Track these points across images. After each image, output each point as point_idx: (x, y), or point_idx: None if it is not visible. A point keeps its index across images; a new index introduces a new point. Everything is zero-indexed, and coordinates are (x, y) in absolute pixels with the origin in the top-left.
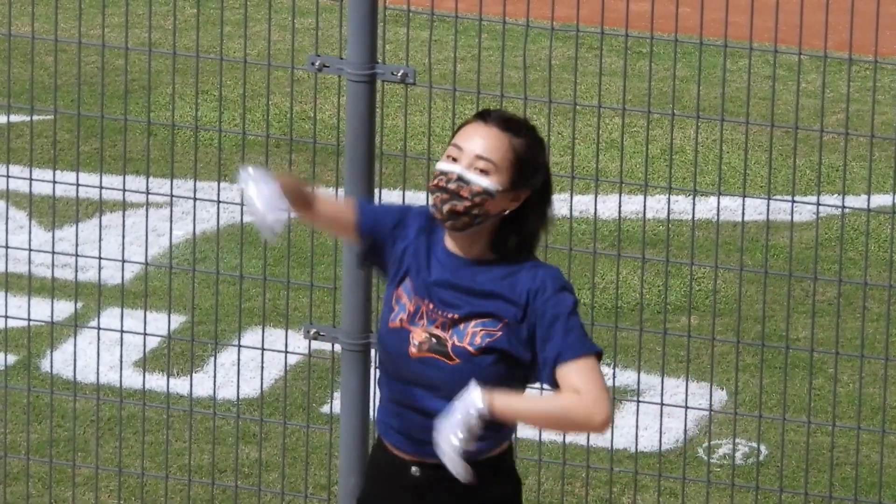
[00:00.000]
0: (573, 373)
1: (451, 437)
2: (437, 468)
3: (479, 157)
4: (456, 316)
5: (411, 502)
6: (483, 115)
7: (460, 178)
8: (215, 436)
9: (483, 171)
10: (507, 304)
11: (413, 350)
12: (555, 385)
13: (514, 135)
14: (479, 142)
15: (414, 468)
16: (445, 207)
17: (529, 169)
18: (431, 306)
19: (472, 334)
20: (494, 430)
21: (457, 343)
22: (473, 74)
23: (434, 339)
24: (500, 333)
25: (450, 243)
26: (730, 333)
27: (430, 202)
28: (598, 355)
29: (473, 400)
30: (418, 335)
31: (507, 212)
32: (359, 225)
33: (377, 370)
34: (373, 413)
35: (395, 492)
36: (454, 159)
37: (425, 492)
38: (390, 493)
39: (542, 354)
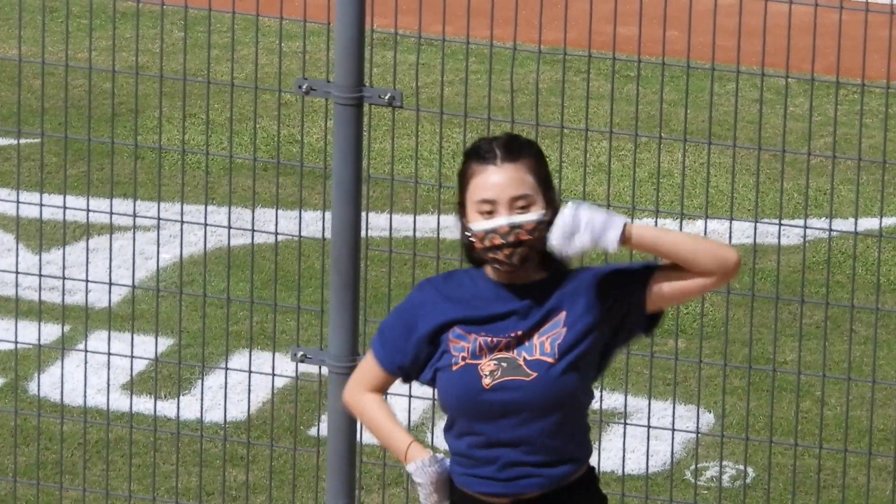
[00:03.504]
0: (667, 268)
1: (584, 240)
2: (525, 500)
3: (516, 199)
4: (519, 333)
5: None
6: (486, 158)
7: (513, 226)
8: (203, 458)
9: (524, 207)
10: (559, 299)
11: (487, 381)
12: (650, 326)
13: (523, 157)
14: (505, 185)
15: None
16: (516, 258)
17: (548, 176)
18: (490, 336)
19: (541, 344)
20: (571, 454)
21: (528, 358)
22: (461, 98)
23: (504, 364)
24: (564, 330)
25: (494, 276)
26: (717, 356)
27: (491, 260)
28: None
29: (613, 218)
30: (486, 366)
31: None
32: (390, 372)
33: (446, 425)
34: (359, 435)
35: None
36: (490, 213)
37: None
38: None
39: (629, 300)
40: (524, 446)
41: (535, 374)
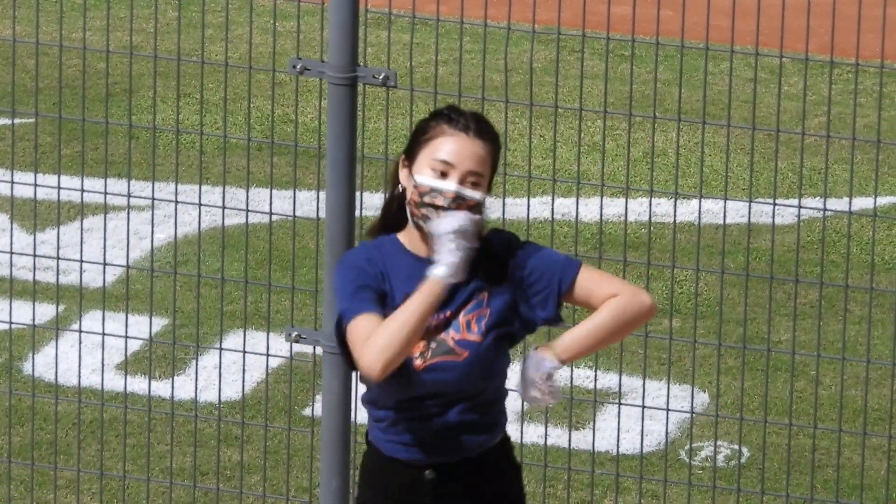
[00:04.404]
0: (588, 283)
1: (536, 395)
2: (447, 466)
3: (472, 173)
4: (448, 314)
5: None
6: (459, 125)
7: (459, 195)
8: (197, 438)
9: (475, 185)
10: (482, 280)
11: (418, 363)
12: (558, 318)
13: (491, 142)
14: (469, 157)
15: (427, 472)
16: None
17: (497, 166)
18: None
19: (467, 323)
20: (493, 421)
21: (456, 337)
22: (455, 77)
23: (434, 344)
24: (487, 309)
25: (412, 247)
26: (711, 336)
27: (420, 216)
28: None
29: (542, 360)
30: (416, 347)
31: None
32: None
33: (367, 393)
34: (353, 415)
35: (414, 501)
36: (443, 174)
37: (442, 489)
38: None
39: (541, 292)
40: (450, 419)
41: (466, 353)
